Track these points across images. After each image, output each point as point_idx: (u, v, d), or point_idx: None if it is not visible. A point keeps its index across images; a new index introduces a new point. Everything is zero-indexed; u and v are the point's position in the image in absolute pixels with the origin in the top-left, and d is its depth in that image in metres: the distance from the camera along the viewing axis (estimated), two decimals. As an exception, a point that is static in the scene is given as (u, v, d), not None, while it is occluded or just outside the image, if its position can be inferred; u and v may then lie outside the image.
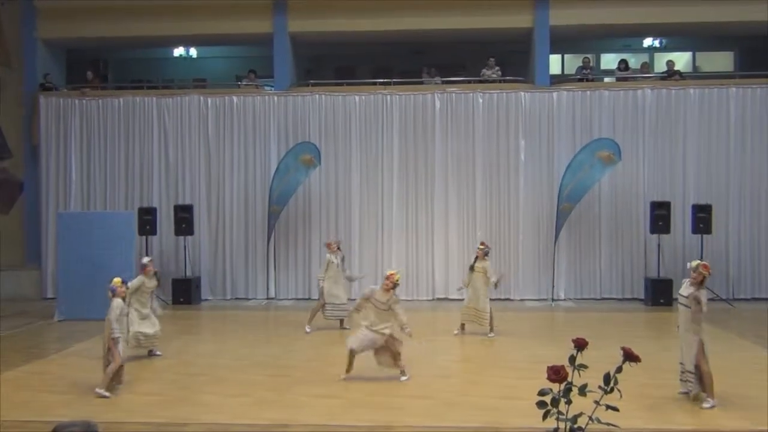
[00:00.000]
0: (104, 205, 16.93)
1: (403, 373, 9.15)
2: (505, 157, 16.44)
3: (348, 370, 9.12)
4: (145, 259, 10.76)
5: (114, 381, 8.56)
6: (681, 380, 8.22)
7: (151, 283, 10.52)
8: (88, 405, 8.13)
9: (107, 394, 8.39)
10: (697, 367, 7.90)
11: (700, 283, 7.99)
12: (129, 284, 9.79)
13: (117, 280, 8.80)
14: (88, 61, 19.36)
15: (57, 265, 14.80)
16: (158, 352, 10.64)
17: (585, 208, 16.05)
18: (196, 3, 17.10)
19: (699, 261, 8.23)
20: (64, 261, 14.03)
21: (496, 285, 11.99)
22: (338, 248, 12.87)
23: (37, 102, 17.23)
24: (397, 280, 9.28)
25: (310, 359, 10.53)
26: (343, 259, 12.88)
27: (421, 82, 17.25)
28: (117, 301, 8.60)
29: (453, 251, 16.34)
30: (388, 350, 9.14)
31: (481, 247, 12.20)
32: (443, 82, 17.05)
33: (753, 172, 16.14)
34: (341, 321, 12.70)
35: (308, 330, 12.43)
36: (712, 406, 7.80)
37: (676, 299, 14.52)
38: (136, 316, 10.25)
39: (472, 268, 12.07)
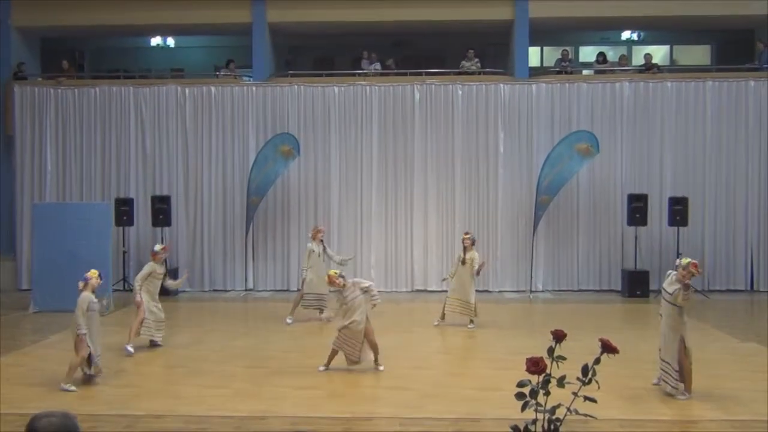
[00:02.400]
0: (80, 195, 16.75)
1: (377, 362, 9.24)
2: (484, 149, 16.47)
3: (327, 364, 9.16)
4: (157, 247, 10.84)
5: (87, 372, 8.52)
6: (662, 380, 8.18)
7: (161, 270, 10.61)
8: (64, 397, 8.04)
9: (72, 388, 8.30)
10: (680, 363, 7.93)
11: (686, 283, 7.89)
12: (140, 272, 10.43)
13: (95, 271, 8.69)
14: (63, 50, 19.10)
15: (32, 256, 14.60)
16: (159, 342, 10.64)
17: (563, 200, 16.14)
18: (173, -9, 16.95)
19: (690, 259, 8.04)
20: (39, 252, 13.86)
21: (478, 272, 12.00)
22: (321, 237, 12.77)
23: (11, 91, 16.98)
24: (335, 274, 9.33)
25: (289, 350, 10.50)
26: (324, 249, 12.81)
27: (405, 73, 17.19)
28: (85, 295, 8.46)
29: (432, 243, 16.37)
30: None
31: (467, 236, 12.19)
32: (425, 74, 17.00)
33: (729, 165, 16.29)
34: (320, 310, 12.66)
35: (289, 321, 12.39)
36: (687, 399, 7.86)
37: (654, 291, 14.81)
38: (151, 304, 10.42)
39: (463, 261, 12.01)
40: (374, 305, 9.35)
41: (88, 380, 8.57)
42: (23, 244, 16.59)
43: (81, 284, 8.55)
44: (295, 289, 15.52)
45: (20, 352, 10.49)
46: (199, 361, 9.79)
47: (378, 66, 17.52)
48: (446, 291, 12.43)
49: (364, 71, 17.30)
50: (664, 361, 8.09)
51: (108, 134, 16.82)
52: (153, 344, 10.60)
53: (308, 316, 12.66)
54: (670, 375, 7.96)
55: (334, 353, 9.15)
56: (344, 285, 9.20)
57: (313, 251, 12.52)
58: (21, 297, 15.10)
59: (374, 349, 9.19)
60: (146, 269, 10.49)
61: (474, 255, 11.96)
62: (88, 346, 8.40)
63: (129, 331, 10.29)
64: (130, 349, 10.03)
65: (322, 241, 12.81)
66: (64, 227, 13.66)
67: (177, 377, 9.02)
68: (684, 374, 7.94)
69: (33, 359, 9.95)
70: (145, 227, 16.39)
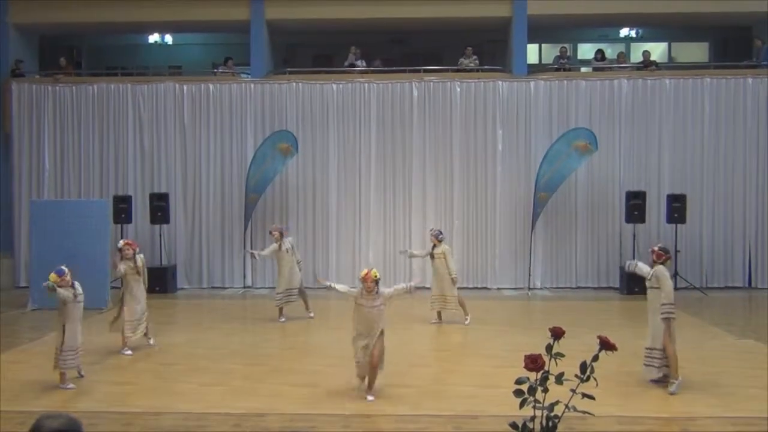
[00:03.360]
0: (78, 193, 16.74)
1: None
2: (483, 146, 16.47)
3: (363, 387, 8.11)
4: (120, 243, 10.44)
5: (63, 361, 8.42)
6: (645, 365, 8.30)
7: (132, 264, 10.18)
8: (62, 394, 8.06)
9: (71, 386, 8.31)
10: (664, 348, 8.02)
11: (659, 262, 8.28)
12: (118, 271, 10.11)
13: (52, 275, 8.39)
14: (61, 47, 19.07)
15: (30, 254, 14.58)
16: (152, 341, 10.55)
17: (561, 198, 16.14)
18: (171, -12, 16.93)
19: (660, 245, 8.62)
20: (37, 250, 13.83)
21: (453, 281, 11.98)
22: (281, 234, 12.56)
23: (9, 88, 16.95)
24: (376, 276, 8.10)
25: (287, 348, 10.51)
26: (293, 246, 12.71)
27: (403, 71, 17.16)
28: (60, 291, 8.33)
29: (430, 240, 16.32)
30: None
31: (432, 231, 12.27)
32: (423, 71, 16.97)
33: (727, 163, 16.30)
34: (305, 303, 12.68)
35: (282, 320, 12.40)
36: (678, 386, 7.90)
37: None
38: (133, 302, 10.15)
39: (432, 256, 12.07)
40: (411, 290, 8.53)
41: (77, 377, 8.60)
42: (21, 242, 16.58)
43: (50, 290, 8.34)
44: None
45: (18, 349, 10.49)
46: (197, 358, 9.79)
47: (363, 64, 17.45)
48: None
49: (360, 69, 17.24)
50: (651, 348, 8.21)
51: (106, 131, 16.80)
52: (147, 340, 10.51)
53: (300, 314, 12.63)
54: (655, 358, 8.10)
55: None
56: (372, 291, 8.07)
57: (278, 250, 12.41)
58: (19, 294, 15.09)
59: (371, 372, 7.97)
60: (121, 270, 10.11)
61: (445, 249, 12.06)
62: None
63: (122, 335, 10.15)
64: (128, 351, 10.00)
65: (289, 237, 12.83)
66: (62, 225, 13.64)
67: (175, 374, 9.02)
68: (669, 360, 8.02)
69: (31, 356, 9.94)
70: (144, 225, 16.38)
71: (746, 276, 16.32)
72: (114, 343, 10.23)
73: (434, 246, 12.09)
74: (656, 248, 8.46)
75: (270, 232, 12.87)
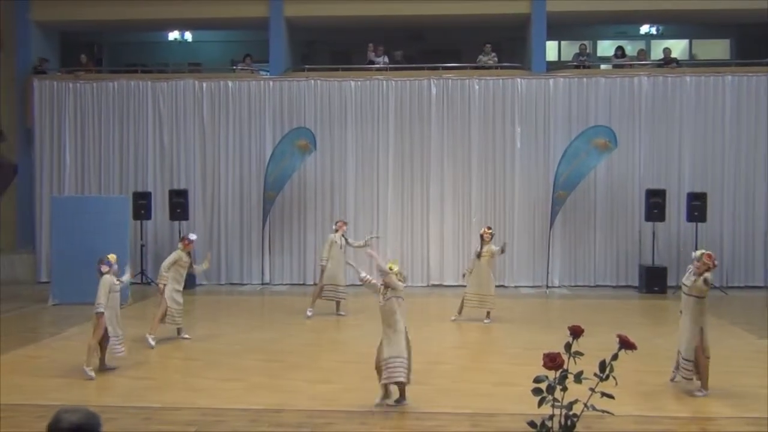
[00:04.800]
0: (99, 189, 16.87)
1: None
2: (501, 144, 16.42)
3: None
4: (192, 236, 10.90)
5: (100, 354, 8.71)
6: (675, 369, 8.22)
7: (187, 259, 10.64)
8: (83, 389, 8.13)
9: (92, 373, 8.47)
10: (696, 357, 7.89)
11: (703, 273, 7.91)
12: (166, 260, 10.59)
13: (113, 255, 8.88)
14: (82, 44, 19.22)
15: (51, 249, 14.71)
16: (186, 335, 10.76)
17: (580, 196, 16.06)
18: (191, -14, 17.02)
19: (703, 251, 8.11)
20: (58, 245, 13.96)
21: (502, 250, 12.09)
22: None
23: (31, 85, 17.11)
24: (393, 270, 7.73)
25: (305, 344, 10.54)
26: (347, 241, 12.84)
27: (422, 68, 17.13)
28: (107, 277, 8.69)
29: (448, 238, 16.34)
30: None
31: (489, 231, 12.22)
32: (442, 68, 16.94)
33: (748, 161, 16.15)
34: (337, 304, 12.68)
35: (309, 314, 12.43)
36: (704, 396, 7.82)
37: (672, 287, 14.74)
38: (173, 292, 10.46)
39: (479, 255, 12.03)
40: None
41: (105, 370, 8.71)
42: (42, 237, 16.72)
43: (105, 268, 8.70)
44: (312, 282, 15.59)
45: (39, 344, 10.60)
46: (216, 354, 9.85)
47: (386, 59, 17.46)
48: (464, 286, 12.47)
49: (379, 66, 17.24)
50: (679, 352, 8.08)
51: (126, 128, 16.91)
52: (179, 334, 10.70)
53: (327, 309, 12.66)
54: (687, 369, 7.96)
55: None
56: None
57: (335, 242, 12.53)
58: (40, 290, 15.23)
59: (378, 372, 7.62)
60: (172, 256, 10.60)
61: (492, 249, 12.02)
62: (106, 328, 8.53)
63: (153, 321, 10.43)
64: (152, 341, 10.14)
65: (343, 234, 12.82)
66: (83, 220, 13.75)
67: (194, 370, 9.08)
68: (700, 370, 7.90)
69: (52, 351, 10.05)
70: (163, 221, 16.49)
71: (767, 275, 16.15)
72: (135, 338, 10.30)
73: (483, 244, 12.06)
74: (707, 259, 7.93)
75: (337, 229, 12.79)
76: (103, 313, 8.57)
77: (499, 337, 11.12)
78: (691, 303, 8.01)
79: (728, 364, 9.07)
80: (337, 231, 12.71)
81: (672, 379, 8.25)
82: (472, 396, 7.87)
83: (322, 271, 12.61)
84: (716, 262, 8.13)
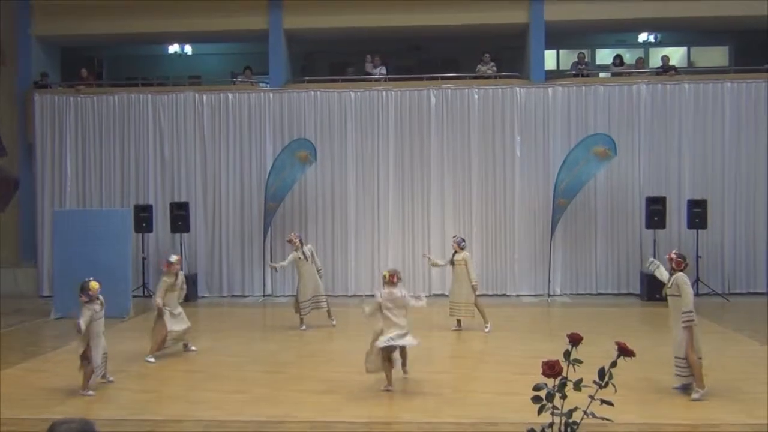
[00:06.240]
0: (100, 202, 16.90)
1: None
2: (501, 153, 16.45)
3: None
4: (172, 257, 10.70)
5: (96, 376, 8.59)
6: (675, 375, 8.23)
7: (173, 279, 10.46)
8: (85, 403, 8.13)
9: (91, 392, 8.41)
10: (687, 356, 7.97)
11: (677, 269, 8.22)
12: (158, 288, 10.41)
13: (95, 284, 8.59)
14: (82, 59, 19.31)
15: (53, 263, 14.75)
16: (193, 347, 10.70)
17: (580, 204, 16.07)
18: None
19: (675, 251, 8.52)
20: (60, 258, 14.00)
21: (474, 289, 11.97)
22: (301, 242, 12.68)
23: (32, 99, 17.18)
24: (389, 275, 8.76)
25: (307, 355, 10.54)
26: (313, 253, 12.71)
27: (421, 78, 17.19)
28: (86, 308, 8.46)
29: (449, 247, 16.24)
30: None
31: (455, 239, 12.29)
32: (441, 79, 17.00)
33: (748, 167, 16.16)
34: (328, 313, 12.66)
35: (303, 328, 12.41)
36: (702, 396, 7.85)
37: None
38: (169, 316, 10.29)
39: (452, 263, 12.08)
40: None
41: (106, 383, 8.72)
42: (44, 251, 16.73)
43: (84, 298, 8.50)
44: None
45: (42, 358, 10.61)
46: (217, 366, 9.85)
47: (384, 70, 17.53)
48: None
49: (377, 76, 17.32)
50: (677, 358, 8.16)
51: (127, 141, 16.96)
52: (186, 348, 10.66)
53: (323, 321, 12.66)
54: (682, 368, 8.06)
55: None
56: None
57: (300, 258, 12.43)
58: (42, 303, 15.26)
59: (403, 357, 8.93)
60: (161, 285, 10.37)
61: (465, 256, 12.05)
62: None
63: (151, 344, 10.28)
64: (152, 359, 10.09)
65: (308, 245, 12.82)
66: (85, 234, 13.79)
67: (196, 382, 9.08)
68: (693, 369, 7.96)
69: (54, 365, 10.05)
70: (164, 233, 16.51)
71: (769, 281, 16.15)
72: (137, 350, 10.31)
73: (455, 253, 12.09)
74: (674, 255, 8.35)
75: (288, 241, 12.86)
76: (81, 329, 8.39)
77: (501, 346, 11.11)
78: (674, 302, 8.18)
79: (732, 370, 9.08)
80: (296, 248, 12.50)
81: (675, 387, 8.24)
82: (474, 405, 7.87)
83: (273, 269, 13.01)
84: (680, 262, 8.29)
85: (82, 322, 8.36)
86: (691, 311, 8.02)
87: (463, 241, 12.31)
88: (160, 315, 10.21)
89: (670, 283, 8.22)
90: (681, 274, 8.21)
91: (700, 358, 8.02)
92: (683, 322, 8.00)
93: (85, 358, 8.48)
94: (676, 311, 8.15)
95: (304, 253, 12.48)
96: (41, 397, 8.34)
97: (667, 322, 8.50)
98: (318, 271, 12.71)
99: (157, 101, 16.95)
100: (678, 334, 8.11)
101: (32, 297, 16.46)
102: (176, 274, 10.53)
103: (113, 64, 21.12)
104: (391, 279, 8.67)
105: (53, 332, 12.68)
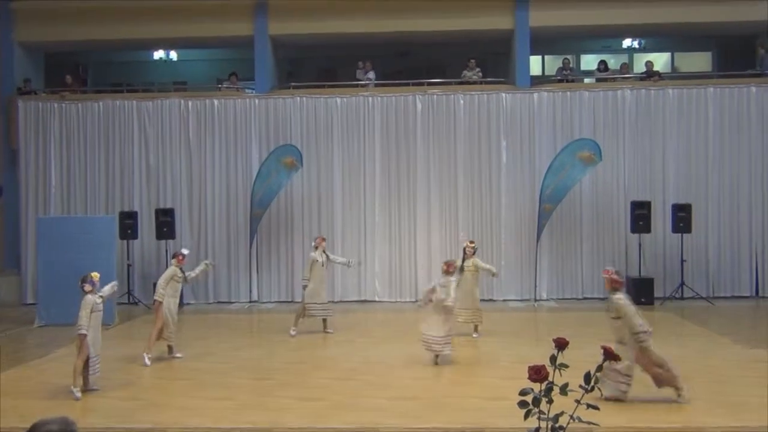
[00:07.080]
0: (84, 209, 16.80)
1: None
2: (487, 158, 16.50)
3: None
4: (185, 251, 11.06)
5: (84, 375, 8.61)
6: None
7: (181, 274, 10.71)
8: (69, 411, 8.03)
9: (78, 394, 8.41)
10: (655, 375, 7.88)
11: (613, 289, 8.00)
12: (163, 276, 10.65)
13: (96, 274, 8.82)
14: (66, 65, 19.21)
15: (37, 270, 14.64)
16: (179, 354, 10.69)
17: (566, 209, 16.13)
18: (175, 5, 17.04)
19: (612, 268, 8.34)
20: (44, 266, 13.89)
21: (494, 274, 12.41)
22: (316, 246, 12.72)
23: (15, 105, 17.06)
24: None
25: (294, 362, 10.49)
26: (328, 258, 12.77)
27: (407, 84, 17.23)
28: (90, 297, 8.63)
29: (435, 252, 16.33)
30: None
31: (471, 245, 12.24)
32: (427, 84, 17.04)
33: (732, 172, 16.28)
34: (324, 321, 12.64)
35: (293, 333, 12.36)
36: (686, 393, 7.87)
37: (659, 299, 14.84)
38: (171, 305, 10.51)
39: (461, 269, 12.00)
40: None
41: (88, 391, 8.65)
42: (28, 258, 16.60)
43: (88, 287, 8.63)
44: (299, 300, 15.53)
45: (25, 366, 10.50)
46: (204, 373, 9.79)
47: (372, 75, 17.56)
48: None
49: (364, 82, 17.35)
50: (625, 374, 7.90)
51: (112, 148, 16.87)
52: (171, 353, 10.62)
53: (312, 327, 12.62)
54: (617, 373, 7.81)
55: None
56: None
57: (317, 261, 12.48)
58: (26, 311, 15.12)
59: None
60: (168, 272, 10.64)
61: (476, 262, 12.07)
62: (88, 348, 8.52)
63: (148, 339, 10.35)
64: (148, 360, 10.11)
65: (324, 250, 12.77)
66: (69, 241, 13.68)
67: (182, 389, 9.02)
68: (666, 381, 7.91)
69: (38, 373, 9.96)
70: (149, 240, 16.41)
71: (753, 285, 16.25)
72: (122, 358, 10.23)
73: (465, 258, 12.07)
74: (614, 276, 8.01)
75: (317, 246, 12.65)
76: (85, 334, 8.50)
77: (489, 351, 11.11)
78: (613, 325, 7.98)
79: (718, 374, 9.12)
80: (316, 248, 12.61)
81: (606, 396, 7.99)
82: (462, 410, 7.85)
83: (304, 290, 12.52)
84: (619, 281, 8.09)
85: (83, 316, 8.51)
86: (641, 332, 7.79)
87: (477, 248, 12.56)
88: (159, 308, 10.38)
89: (607, 306, 7.96)
90: (618, 295, 7.95)
91: (665, 369, 7.91)
92: (637, 343, 7.79)
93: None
94: (619, 334, 7.89)
95: (328, 257, 12.69)
96: (24, 405, 8.23)
97: (652, 326, 8.45)
98: (348, 262, 13.16)
99: (142, 107, 16.89)
100: (622, 353, 7.54)
101: (15, 305, 16.30)
102: (181, 269, 10.76)
103: (98, 71, 21.04)
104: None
105: (37, 340, 12.56)
